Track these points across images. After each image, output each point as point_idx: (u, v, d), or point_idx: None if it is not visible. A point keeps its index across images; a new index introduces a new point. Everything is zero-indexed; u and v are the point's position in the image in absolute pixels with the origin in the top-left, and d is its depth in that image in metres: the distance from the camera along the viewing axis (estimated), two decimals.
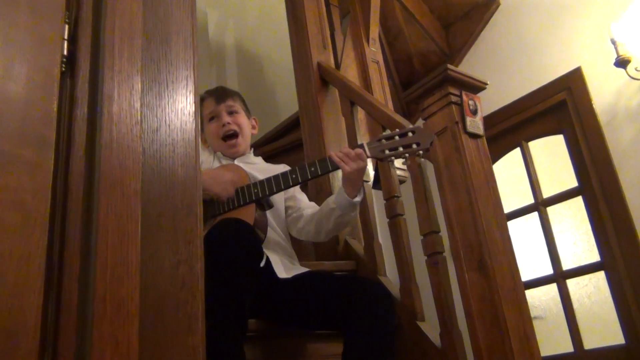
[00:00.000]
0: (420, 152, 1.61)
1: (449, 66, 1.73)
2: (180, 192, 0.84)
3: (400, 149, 1.61)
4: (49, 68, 0.73)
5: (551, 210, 3.07)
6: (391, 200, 1.89)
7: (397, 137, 1.63)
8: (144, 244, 0.75)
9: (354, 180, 1.61)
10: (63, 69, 0.78)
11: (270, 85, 3.35)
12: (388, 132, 1.69)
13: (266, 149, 2.73)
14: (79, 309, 0.67)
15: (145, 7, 0.89)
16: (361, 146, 1.62)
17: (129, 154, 0.77)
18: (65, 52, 0.79)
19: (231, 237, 1.37)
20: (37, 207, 0.65)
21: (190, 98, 0.93)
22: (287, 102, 3.12)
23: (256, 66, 3.39)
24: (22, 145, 0.65)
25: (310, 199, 1.94)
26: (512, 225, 3.16)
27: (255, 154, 1.98)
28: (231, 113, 1.85)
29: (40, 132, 0.68)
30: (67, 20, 0.81)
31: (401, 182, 2.14)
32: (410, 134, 1.63)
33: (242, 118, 1.87)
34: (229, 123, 1.82)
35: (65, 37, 0.80)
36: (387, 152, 1.62)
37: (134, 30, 0.85)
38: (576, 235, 2.96)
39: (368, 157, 1.62)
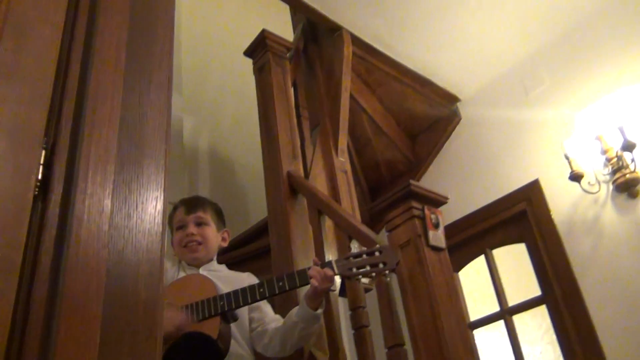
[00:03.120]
0: (387, 272, 1.66)
1: (412, 182, 1.82)
2: (142, 314, 0.85)
3: (368, 267, 1.65)
4: (23, 194, 0.76)
5: (517, 319, 3.09)
6: (357, 311, 1.90)
7: (364, 256, 1.67)
8: None
9: (318, 296, 1.65)
10: (36, 192, 0.81)
11: (241, 190, 3.42)
12: (355, 248, 1.76)
13: (235, 253, 2.72)
14: None
15: (122, 133, 0.95)
16: (329, 263, 1.67)
17: (93, 278, 0.79)
18: (39, 177, 0.83)
19: (193, 354, 1.35)
20: None
21: (158, 219, 0.96)
22: (257, 207, 3.17)
23: (229, 171, 3.47)
24: None
25: (276, 308, 1.93)
26: (479, 333, 3.17)
27: (221, 260, 1.99)
28: (199, 224, 1.88)
29: (8, 257, 0.70)
30: (44, 145, 0.86)
31: (367, 290, 2.15)
32: (377, 253, 1.67)
33: (210, 230, 1.90)
34: (193, 234, 1.84)
35: (41, 162, 0.84)
36: (354, 270, 1.66)
37: (108, 156, 0.90)
38: (542, 344, 2.96)
39: (336, 274, 1.66)
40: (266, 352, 1.77)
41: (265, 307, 1.86)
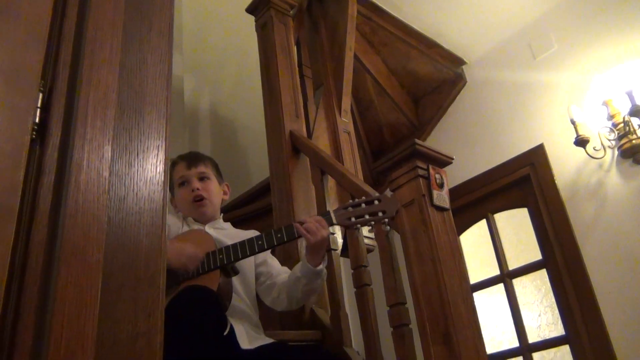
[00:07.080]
0: (386, 220, 1.66)
1: (417, 141, 1.78)
2: (144, 262, 0.83)
3: (367, 216, 1.65)
4: (19, 137, 0.74)
5: (517, 282, 3.10)
6: (358, 270, 1.89)
7: (363, 205, 1.67)
8: (102, 315, 0.74)
9: (317, 249, 1.63)
10: (33, 136, 0.79)
11: (242, 151, 3.39)
12: (354, 199, 1.74)
13: (236, 213, 2.72)
14: None
15: (121, 79, 0.91)
16: (327, 213, 1.67)
17: (93, 223, 0.77)
18: (37, 120, 0.80)
19: (193, 306, 1.35)
20: None
21: (160, 167, 0.93)
22: (259, 168, 3.15)
23: (230, 131, 3.44)
24: None
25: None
26: (479, 296, 3.19)
27: (226, 218, 1.98)
28: (202, 179, 1.85)
29: (4, 202, 0.68)
30: (41, 88, 0.83)
31: (369, 251, 2.14)
32: (376, 202, 1.68)
33: (213, 184, 1.87)
34: (198, 189, 1.82)
35: (39, 105, 0.81)
36: (353, 219, 1.66)
37: (108, 101, 0.87)
38: (541, 308, 2.99)
39: (334, 224, 1.66)
40: (275, 306, 1.77)
41: (272, 260, 1.86)
